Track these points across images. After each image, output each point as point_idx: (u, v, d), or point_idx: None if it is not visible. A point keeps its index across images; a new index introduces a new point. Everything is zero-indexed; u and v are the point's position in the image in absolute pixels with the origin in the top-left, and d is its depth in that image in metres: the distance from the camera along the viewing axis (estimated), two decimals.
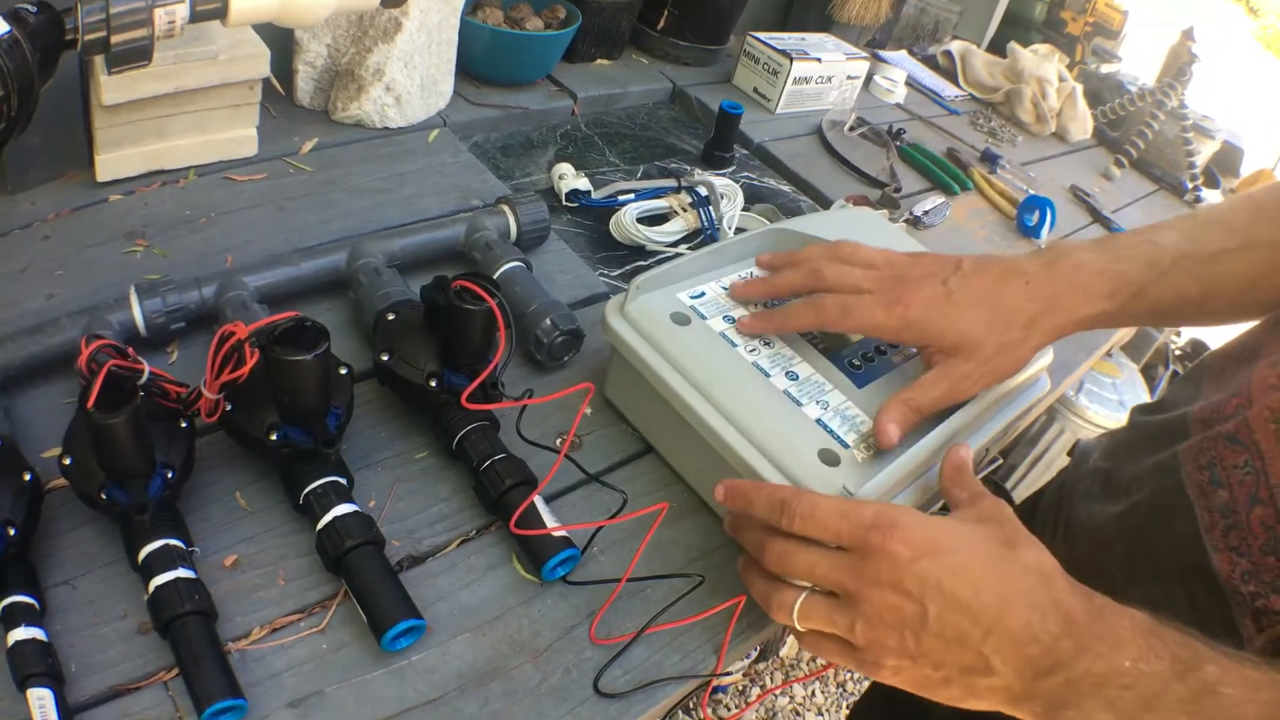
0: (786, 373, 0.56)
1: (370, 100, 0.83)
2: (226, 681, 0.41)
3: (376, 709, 0.44)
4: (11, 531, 0.42)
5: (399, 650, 0.47)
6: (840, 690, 1.69)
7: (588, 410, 0.63)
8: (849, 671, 1.69)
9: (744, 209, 0.90)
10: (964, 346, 0.53)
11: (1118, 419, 1.56)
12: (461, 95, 0.94)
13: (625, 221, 0.82)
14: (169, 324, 0.57)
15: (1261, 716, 0.37)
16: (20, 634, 0.40)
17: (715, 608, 0.51)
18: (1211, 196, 1.41)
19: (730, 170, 1.02)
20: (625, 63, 1.15)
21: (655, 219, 0.86)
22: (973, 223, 1.09)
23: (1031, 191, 1.15)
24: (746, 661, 1.57)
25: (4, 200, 0.65)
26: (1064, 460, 1.32)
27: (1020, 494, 0.87)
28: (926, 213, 1.02)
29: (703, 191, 0.87)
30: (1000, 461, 1.76)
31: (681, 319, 0.58)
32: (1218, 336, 0.63)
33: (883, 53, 1.45)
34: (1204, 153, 1.40)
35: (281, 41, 0.77)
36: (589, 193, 0.86)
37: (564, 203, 0.85)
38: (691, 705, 1.46)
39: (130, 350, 0.46)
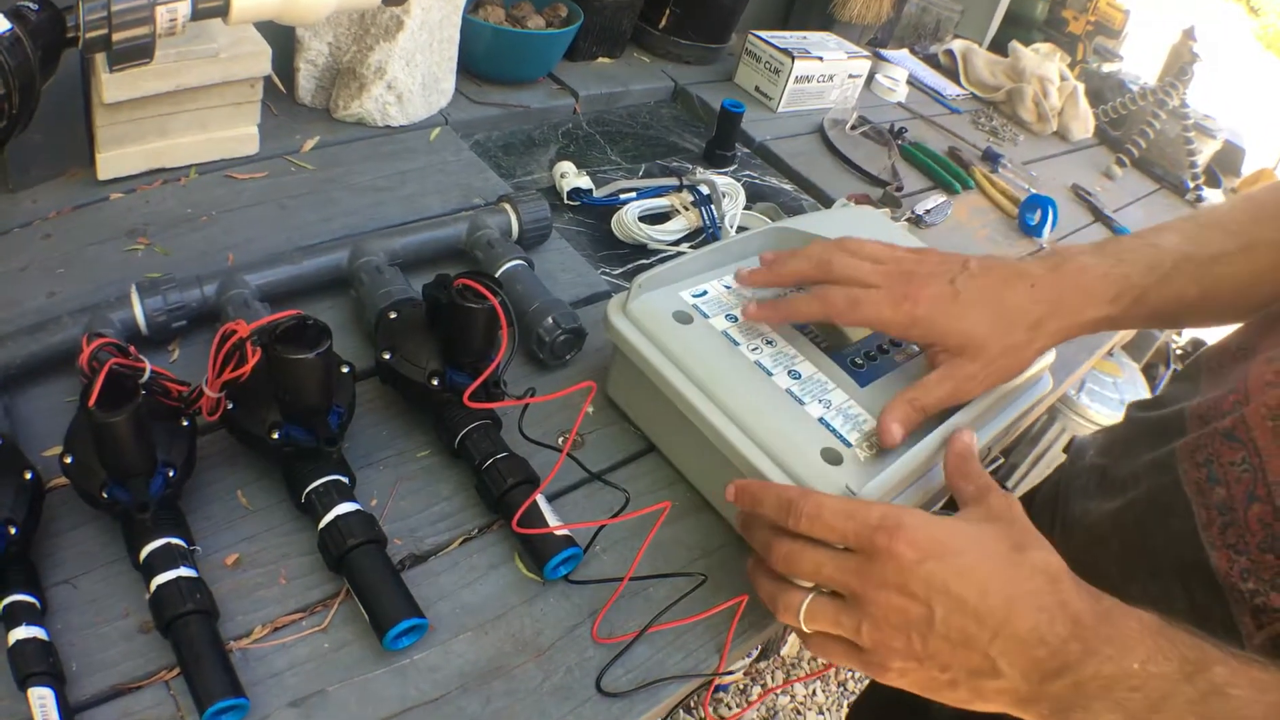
0: (789, 371, 0.56)
1: (372, 98, 0.83)
2: (228, 680, 0.41)
3: (378, 708, 0.44)
4: (12, 530, 0.41)
5: (401, 649, 0.46)
6: (841, 689, 1.69)
7: (590, 409, 0.63)
8: (850, 671, 1.69)
9: (746, 208, 0.90)
10: (969, 347, 0.53)
11: (1119, 418, 1.56)
12: (463, 93, 0.94)
13: (627, 220, 0.82)
14: (170, 322, 0.57)
15: (1269, 718, 0.36)
16: (21, 633, 0.40)
17: (717, 607, 0.51)
18: (1213, 196, 1.41)
19: (732, 169, 1.02)
20: (627, 61, 1.15)
21: (657, 217, 0.85)
22: (974, 221, 1.09)
23: (1033, 190, 1.15)
24: (748, 660, 1.57)
25: (5, 198, 0.65)
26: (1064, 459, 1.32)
27: (1020, 493, 0.87)
28: (928, 211, 1.02)
29: (704, 190, 0.86)
30: (1002, 461, 1.77)
31: (684, 317, 0.58)
32: (1216, 333, 0.63)
33: (884, 51, 1.44)
34: (1205, 152, 1.40)
35: (283, 39, 0.77)
36: (591, 191, 0.86)
37: (565, 201, 0.85)
38: (693, 704, 1.46)
39: (131, 349, 0.46)
